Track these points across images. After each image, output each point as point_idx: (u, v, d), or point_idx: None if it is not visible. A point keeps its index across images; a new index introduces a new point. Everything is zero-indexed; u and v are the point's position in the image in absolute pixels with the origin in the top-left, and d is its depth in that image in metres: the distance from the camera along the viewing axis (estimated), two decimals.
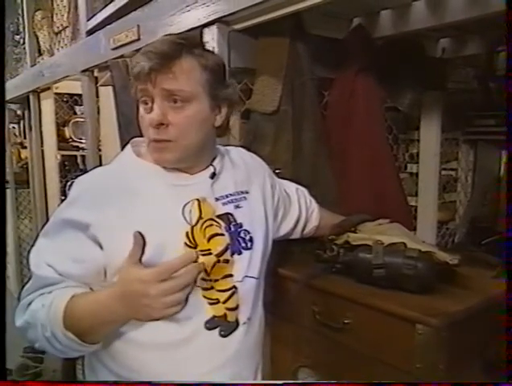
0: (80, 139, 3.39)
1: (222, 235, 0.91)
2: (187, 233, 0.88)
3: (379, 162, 1.63)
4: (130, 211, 0.87)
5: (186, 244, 0.87)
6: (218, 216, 0.92)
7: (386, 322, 0.97)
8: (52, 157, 3.13)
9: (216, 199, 0.94)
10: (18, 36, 3.59)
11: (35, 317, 0.85)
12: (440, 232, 2.18)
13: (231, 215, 0.95)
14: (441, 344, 0.90)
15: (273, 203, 1.10)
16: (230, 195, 0.97)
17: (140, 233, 0.75)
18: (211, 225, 0.90)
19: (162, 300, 0.74)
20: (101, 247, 0.86)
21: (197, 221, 0.89)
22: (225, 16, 1.26)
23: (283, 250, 1.33)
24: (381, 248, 1.06)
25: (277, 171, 1.29)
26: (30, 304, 0.87)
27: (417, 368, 0.91)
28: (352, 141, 1.59)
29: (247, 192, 1.01)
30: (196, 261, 0.77)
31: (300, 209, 1.22)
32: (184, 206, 0.89)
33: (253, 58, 1.44)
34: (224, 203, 0.95)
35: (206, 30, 1.32)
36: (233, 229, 0.94)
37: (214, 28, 1.30)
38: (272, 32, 1.41)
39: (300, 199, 1.23)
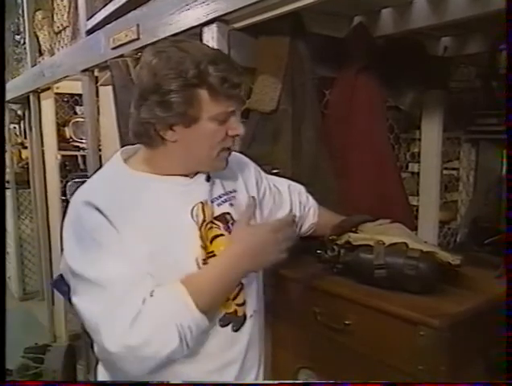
0: (81, 139, 3.39)
1: (222, 235, 0.93)
2: (201, 236, 0.90)
3: (380, 161, 1.62)
4: (137, 217, 0.87)
5: (201, 246, 0.90)
6: (216, 218, 0.94)
7: (388, 323, 0.97)
8: (53, 157, 3.12)
9: (211, 202, 0.95)
10: (18, 36, 3.59)
11: (164, 319, 0.80)
12: (442, 231, 2.17)
13: (228, 213, 0.96)
14: (443, 345, 0.89)
15: (258, 198, 1.10)
16: (222, 194, 0.98)
17: (253, 197, 1.02)
18: (211, 228, 0.92)
19: (278, 247, 0.91)
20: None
21: (202, 224, 0.91)
22: (224, 15, 1.25)
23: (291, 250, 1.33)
24: (383, 248, 1.05)
25: (274, 171, 1.28)
26: (137, 316, 0.79)
27: (419, 370, 0.90)
28: (353, 141, 1.58)
29: (235, 191, 1.02)
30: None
31: (292, 205, 1.20)
32: (192, 209, 0.91)
33: (253, 57, 1.43)
34: (218, 204, 0.96)
35: (206, 29, 1.32)
36: (231, 227, 0.95)
37: (214, 27, 1.29)
38: (272, 31, 1.40)
39: (292, 196, 1.21)
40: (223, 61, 0.86)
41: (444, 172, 2.12)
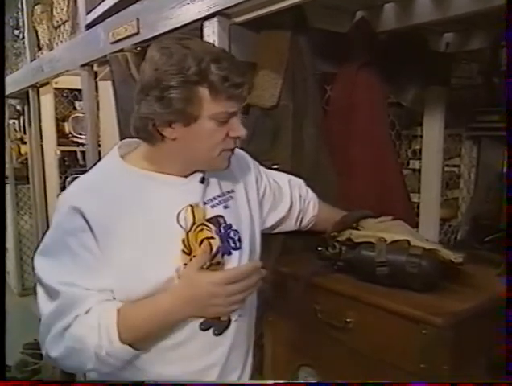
0: (80, 134, 3.38)
1: (213, 238, 0.91)
2: (183, 240, 0.88)
3: (382, 158, 1.61)
4: (128, 216, 0.87)
5: (183, 251, 0.88)
6: (208, 220, 0.92)
7: (389, 321, 0.96)
8: (52, 152, 3.12)
9: (205, 203, 0.94)
10: (17, 31, 3.56)
11: (84, 341, 0.83)
12: (443, 229, 2.16)
13: (221, 216, 0.95)
14: (446, 344, 0.88)
15: (258, 196, 1.09)
16: (218, 196, 0.97)
17: (209, 243, 0.87)
18: (202, 230, 0.90)
19: (228, 299, 0.83)
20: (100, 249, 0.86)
21: (191, 227, 0.89)
22: (225, 9, 1.24)
23: (285, 248, 1.32)
24: (384, 245, 1.04)
25: (274, 167, 1.27)
26: (66, 329, 0.84)
27: (421, 368, 0.89)
28: (354, 137, 1.57)
29: (233, 191, 1.01)
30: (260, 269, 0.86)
31: (292, 199, 1.20)
32: (179, 213, 0.89)
33: (254, 52, 1.42)
34: (212, 206, 0.95)
35: (206, 24, 1.30)
36: (222, 231, 0.94)
37: (215, 21, 1.28)
38: (273, 26, 1.39)
39: (293, 190, 1.21)
40: (226, 60, 0.84)
41: (445, 169, 2.11)
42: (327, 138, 1.51)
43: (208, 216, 0.93)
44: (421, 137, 2.08)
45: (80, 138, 3.36)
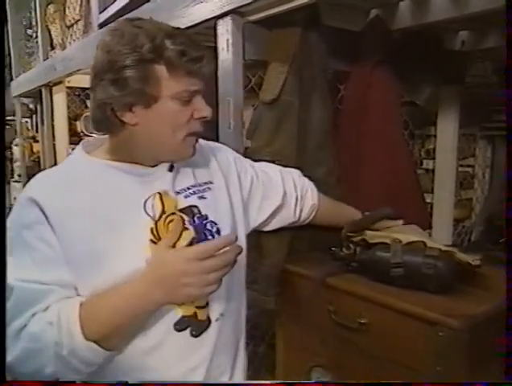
0: (92, 133, 3.39)
1: (186, 229, 0.86)
2: (151, 229, 0.84)
3: (395, 157, 1.59)
4: (90, 207, 0.84)
5: (151, 240, 0.84)
6: (181, 210, 0.88)
7: (404, 322, 0.95)
8: (64, 151, 3.13)
9: (177, 193, 0.90)
10: (30, 30, 3.59)
11: (42, 339, 0.77)
12: (456, 229, 2.14)
13: (195, 207, 0.90)
14: (462, 346, 0.87)
15: (241, 191, 1.04)
16: (192, 186, 0.93)
17: (182, 219, 0.82)
18: (173, 220, 0.86)
19: (202, 277, 0.75)
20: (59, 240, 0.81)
21: (160, 216, 0.85)
22: (239, 7, 1.23)
23: (296, 247, 1.31)
24: (400, 246, 1.03)
25: (277, 163, 1.25)
26: (22, 329, 0.78)
27: (437, 371, 0.88)
28: (367, 137, 1.55)
29: (211, 182, 0.97)
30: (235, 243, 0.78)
31: (285, 187, 1.15)
32: (146, 201, 0.86)
33: (266, 49, 1.41)
34: (186, 196, 0.91)
35: (220, 22, 1.30)
36: (197, 222, 0.89)
37: (228, 20, 1.27)
38: (286, 23, 1.37)
39: (285, 178, 1.17)
40: (180, 35, 0.82)
41: (459, 169, 2.09)
42: (340, 137, 1.50)
43: (180, 206, 0.88)
44: (435, 136, 2.06)
45: (92, 137, 3.38)
